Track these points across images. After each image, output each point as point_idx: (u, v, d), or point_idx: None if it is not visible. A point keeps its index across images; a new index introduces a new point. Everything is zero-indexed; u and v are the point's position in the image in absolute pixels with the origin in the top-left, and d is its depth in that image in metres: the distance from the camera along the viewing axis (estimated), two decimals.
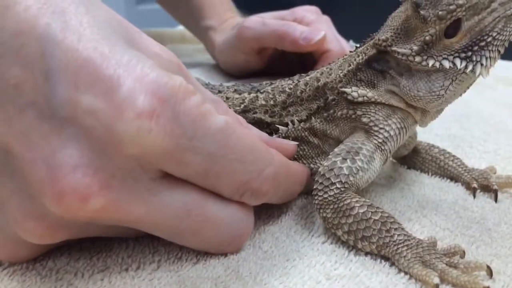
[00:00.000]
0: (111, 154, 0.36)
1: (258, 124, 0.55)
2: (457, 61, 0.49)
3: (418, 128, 0.58)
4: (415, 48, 0.50)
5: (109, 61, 0.36)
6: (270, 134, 0.55)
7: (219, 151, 0.40)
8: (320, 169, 0.50)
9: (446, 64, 0.49)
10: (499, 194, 0.57)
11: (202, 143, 0.38)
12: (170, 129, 0.36)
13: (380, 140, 0.52)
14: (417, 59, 0.50)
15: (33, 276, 0.43)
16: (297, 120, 0.55)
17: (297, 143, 0.53)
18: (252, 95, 0.56)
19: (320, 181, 0.49)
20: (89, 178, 0.35)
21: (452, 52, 0.49)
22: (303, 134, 0.56)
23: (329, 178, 0.49)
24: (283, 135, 0.55)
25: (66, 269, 0.44)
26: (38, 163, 0.35)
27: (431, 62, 0.49)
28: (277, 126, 0.55)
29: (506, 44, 0.49)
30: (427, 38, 0.49)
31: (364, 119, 0.53)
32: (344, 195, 0.48)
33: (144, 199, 0.38)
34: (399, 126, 0.53)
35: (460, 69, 0.49)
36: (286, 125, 0.55)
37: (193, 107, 0.38)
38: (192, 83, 0.44)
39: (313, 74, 0.57)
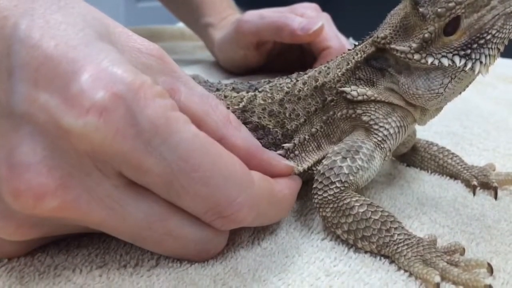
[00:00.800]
0: (65, 152, 0.36)
1: (260, 130, 0.54)
2: (456, 59, 0.48)
3: (418, 126, 0.58)
4: (414, 45, 0.50)
5: (67, 56, 0.36)
6: (274, 141, 0.54)
7: (179, 165, 0.37)
8: (319, 168, 0.50)
9: (445, 62, 0.49)
10: (498, 191, 0.57)
11: (160, 150, 0.36)
12: (123, 128, 0.35)
13: (380, 139, 0.52)
14: (416, 56, 0.50)
15: (31, 272, 0.43)
16: (295, 124, 0.54)
17: (293, 164, 0.50)
18: (250, 93, 0.56)
19: (319, 180, 0.49)
20: (43, 177, 0.35)
21: (451, 50, 0.49)
22: (309, 148, 0.55)
23: (328, 177, 0.48)
24: (289, 151, 0.54)
25: (64, 265, 0.44)
26: None
27: (430, 60, 0.49)
28: (283, 139, 0.54)
29: (506, 42, 0.49)
30: (426, 35, 0.49)
31: (364, 118, 0.53)
32: (343, 194, 0.48)
33: (105, 205, 0.37)
34: (398, 124, 0.53)
35: (459, 67, 0.49)
36: (287, 131, 0.54)
37: (155, 108, 0.36)
38: (177, 77, 0.43)
39: (311, 73, 0.56)
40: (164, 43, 1.41)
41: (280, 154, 0.53)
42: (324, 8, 1.07)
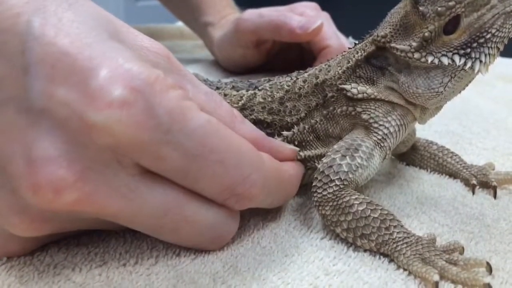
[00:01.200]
0: (85, 145, 0.36)
1: (259, 124, 0.54)
2: (456, 58, 0.49)
3: (417, 125, 0.58)
4: (414, 44, 0.50)
5: (84, 53, 0.37)
6: (272, 134, 0.54)
7: (197, 150, 0.39)
8: (319, 166, 0.50)
9: (445, 60, 0.49)
10: (498, 190, 0.57)
11: (178, 138, 0.38)
12: (143, 120, 0.36)
13: (379, 137, 0.52)
14: (416, 55, 0.50)
15: (30, 271, 0.42)
16: (296, 118, 0.55)
17: (297, 148, 0.52)
18: (250, 92, 0.56)
19: (319, 178, 0.49)
20: (64, 170, 0.36)
21: (451, 49, 0.49)
22: (308, 138, 0.55)
23: (328, 175, 0.48)
24: (288, 139, 0.54)
25: (63, 264, 0.44)
26: (16, 157, 0.36)
27: (430, 59, 0.49)
28: (281, 131, 0.55)
29: (506, 41, 0.49)
30: (426, 34, 0.49)
31: (364, 116, 0.53)
32: (343, 192, 0.47)
33: (122, 195, 0.38)
34: (398, 123, 0.53)
35: (459, 66, 0.49)
36: (286, 124, 0.55)
37: (171, 100, 0.37)
38: (183, 75, 0.44)
39: (312, 71, 0.57)
40: (163, 42, 1.39)
41: None
42: (324, 7, 1.07)
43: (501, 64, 1.00)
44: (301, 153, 0.54)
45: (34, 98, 0.36)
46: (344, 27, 1.09)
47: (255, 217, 0.51)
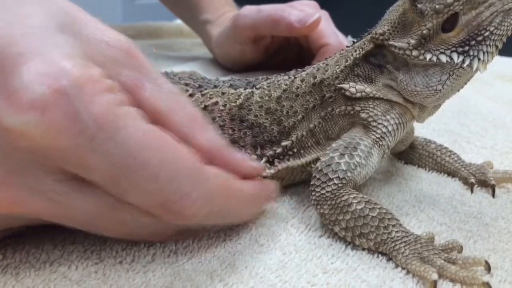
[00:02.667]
0: (5, 148, 0.34)
1: (256, 128, 0.54)
2: (454, 56, 0.48)
3: (416, 123, 0.58)
4: (412, 42, 0.50)
5: (14, 51, 0.34)
6: (269, 138, 0.54)
7: (126, 162, 0.35)
8: (317, 165, 0.50)
9: (443, 58, 0.49)
10: (496, 189, 0.57)
11: (106, 147, 0.34)
12: (65, 125, 0.33)
13: (378, 136, 0.52)
14: (414, 53, 0.50)
15: (27, 269, 0.42)
16: (293, 121, 0.54)
17: (263, 165, 0.50)
18: (247, 90, 0.55)
19: (317, 176, 0.49)
20: None
21: (450, 47, 0.49)
22: (307, 145, 0.55)
23: (326, 174, 0.48)
24: (287, 148, 0.54)
25: (60, 261, 0.43)
26: None
27: (428, 56, 0.49)
28: (280, 138, 0.54)
29: (504, 39, 0.49)
30: (424, 32, 0.49)
31: (363, 115, 0.53)
32: (341, 191, 0.47)
33: (49, 199, 0.36)
34: (397, 121, 0.53)
35: (457, 64, 0.49)
36: (284, 128, 0.54)
37: (101, 104, 0.34)
38: (144, 73, 0.40)
39: (309, 69, 0.56)
40: (162, 40, 1.40)
41: (278, 152, 0.53)
42: (323, 6, 1.07)
43: (499, 63, 1.00)
44: (301, 160, 0.54)
45: None
46: (343, 26, 1.08)
47: None
